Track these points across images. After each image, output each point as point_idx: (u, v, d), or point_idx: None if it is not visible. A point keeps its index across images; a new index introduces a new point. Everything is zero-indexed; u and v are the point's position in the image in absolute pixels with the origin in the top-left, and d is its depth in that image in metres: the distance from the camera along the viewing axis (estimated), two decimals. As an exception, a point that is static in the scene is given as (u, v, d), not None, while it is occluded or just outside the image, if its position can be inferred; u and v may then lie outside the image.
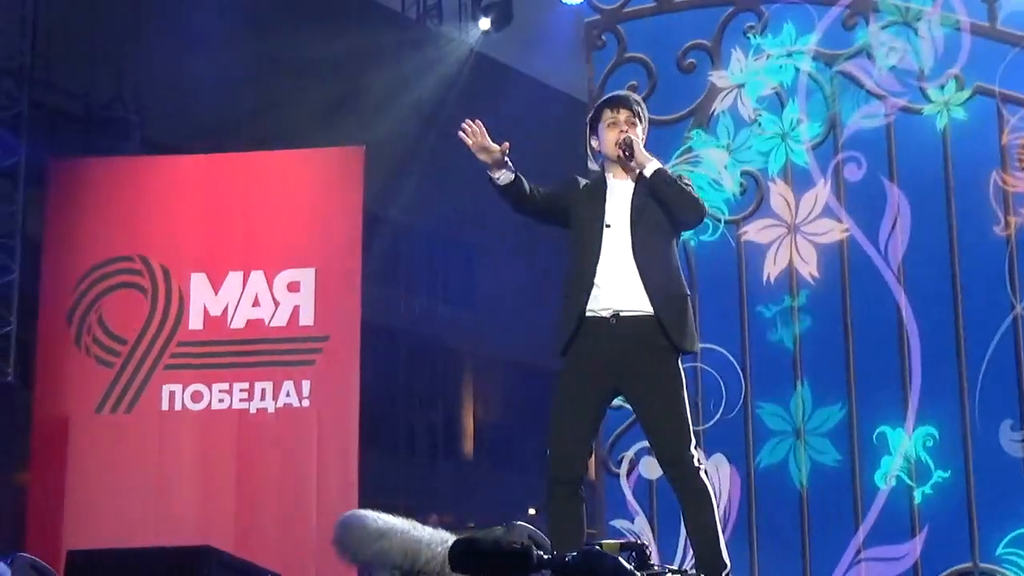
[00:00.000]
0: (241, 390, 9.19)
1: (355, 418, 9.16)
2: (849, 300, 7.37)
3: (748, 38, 7.80)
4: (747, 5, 7.82)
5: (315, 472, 9.00)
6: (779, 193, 7.62)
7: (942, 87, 7.34)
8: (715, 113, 7.80)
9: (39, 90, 11.89)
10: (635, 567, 3.71)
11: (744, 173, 7.70)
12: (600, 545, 4.10)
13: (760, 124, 7.70)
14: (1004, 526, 6.90)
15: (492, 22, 12.18)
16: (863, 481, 7.18)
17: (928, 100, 7.36)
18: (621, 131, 4.82)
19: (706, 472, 4.66)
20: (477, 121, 4.69)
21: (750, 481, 7.39)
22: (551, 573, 3.31)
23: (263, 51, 13.47)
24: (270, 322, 9.29)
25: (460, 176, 8.31)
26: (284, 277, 9.33)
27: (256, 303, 9.31)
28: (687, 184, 4.84)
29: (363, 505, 6.44)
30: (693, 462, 4.60)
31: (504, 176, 4.71)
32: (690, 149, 7.79)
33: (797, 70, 7.67)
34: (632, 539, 6.36)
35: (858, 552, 7.11)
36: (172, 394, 9.20)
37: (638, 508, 7.56)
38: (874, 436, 7.20)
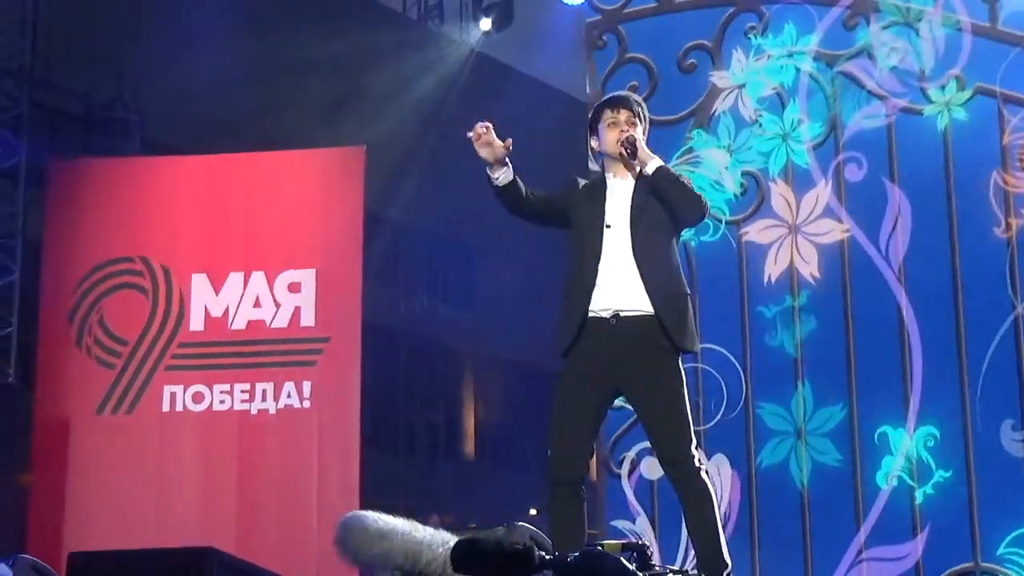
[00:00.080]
0: (242, 391, 9.18)
1: (356, 419, 9.15)
2: (850, 300, 7.37)
3: (749, 38, 7.80)
4: (748, 5, 7.82)
5: (316, 473, 9.00)
6: (780, 193, 7.62)
7: (943, 87, 7.34)
8: (716, 113, 7.80)
9: (39, 90, 11.89)
10: (636, 567, 3.71)
11: (745, 173, 7.70)
12: (601, 545, 4.11)
13: (761, 124, 7.70)
14: (1005, 526, 6.90)
15: (493, 22, 12.17)
16: (864, 481, 7.17)
17: (929, 100, 7.36)
18: (622, 131, 4.82)
19: (707, 472, 4.66)
20: (487, 123, 4.69)
21: (751, 481, 7.39)
22: (553, 574, 3.31)
23: (264, 51, 13.48)
24: (271, 323, 9.28)
25: (460, 176, 8.32)
26: (285, 278, 9.32)
27: (257, 304, 9.30)
28: (687, 182, 4.84)
29: (364, 506, 6.45)
30: (694, 462, 4.60)
31: (504, 176, 4.72)
32: (691, 149, 7.78)
33: (798, 70, 7.67)
34: (633, 539, 6.34)
35: (859, 552, 7.11)
36: (173, 395, 9.19)
37: (639, 508, 7.56)
38: (875, 436, 7.20)
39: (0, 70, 11.04)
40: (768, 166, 7.66)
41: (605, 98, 5.09)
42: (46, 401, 9.36)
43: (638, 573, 3.54)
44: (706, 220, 7.21)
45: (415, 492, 16.10)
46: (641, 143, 4.80)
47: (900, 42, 7.45)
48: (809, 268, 7.49)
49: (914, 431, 7.13)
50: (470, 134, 4.68)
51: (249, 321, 9.30)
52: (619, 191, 4.81)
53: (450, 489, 18.32)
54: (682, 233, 5.01)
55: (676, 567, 6.50)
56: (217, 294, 9.33)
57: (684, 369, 4.73)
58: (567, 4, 8.53)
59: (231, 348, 9.30)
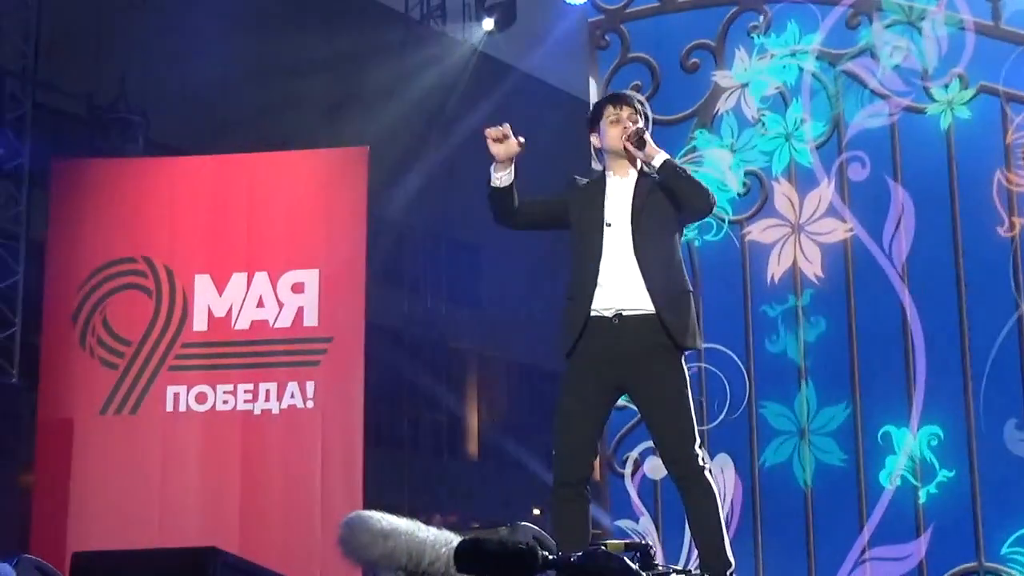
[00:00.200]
0: (246, 391, 9.19)
1: (359, 419, 9.16)
2: (853, 300, 7.36)
3: (752, 38, 7.80)
4: (751, 5, 7.82)
5: (319, 473, 9.00)
6: (783, 193, 7.62)
7: (946, 86, 7.33)
8: (719, 113, 7.79)
9: (43, 92, 11.92)
10: (640, 567, 3.70)
11: (748, 173, 7.70)
12: (605, 545, 4.10)
13: (764, 124, 7.70)
14: (1009, 525, 6.89)
15: (496, 22, 12.20)
16: (868, 480, 7.17)
17: (932, 99, 7.35)
18: (626, 126, 4.80)
19: (710, 471, 4.65)
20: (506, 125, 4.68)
21: (755, 481, 7.38)
22: (556, 573, 3.31)
23: (266, 52, 13.51)
24: (274, 323, 9.28)
25: (464, 176, 8.32)
26: (288, 278, 9.32)
27: (260, 304, 9.30)
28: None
29: (367, 506, 6.44)
30: (697, 461, 4.59)
31: (506, 178, 4.71)
32: (694, 149, 7.78)
33: (801, 70, 7.67)
34: (637, 539, 6.36)
35: (863, 551, 7.11)
36: (176, 395, 9.20)
37: (643, 508, 7.56)
38: (879, 436, 7.20)
39: (3, 71, 11.07)
40: (771, 165, 7.66)
41: (606, 95, 5.08)
42: (50, 401, 9.36)
43: (641, 573, 3.54)
44: (709, 220, 7.25)
45: (418, 492, 16.10)
46: (648, 136, 4.78)
47: (903, 41, 7.44)
48: (812, 268, 7.49)
49: (918, 430, 7.12)
50: (488, 131, 4.66)
51: (252, 321, 9.30)
52: (619, 189, 4.80)
53: (453, 489, 18.32)
54: (685, 232, 5.00)
55: (679, 567, 6.48)
56: (220, 294, 9.33)
57: (688, 368, 4.73)
58: (570, 4, 8.53)
59: (235, 348, 9.30)
